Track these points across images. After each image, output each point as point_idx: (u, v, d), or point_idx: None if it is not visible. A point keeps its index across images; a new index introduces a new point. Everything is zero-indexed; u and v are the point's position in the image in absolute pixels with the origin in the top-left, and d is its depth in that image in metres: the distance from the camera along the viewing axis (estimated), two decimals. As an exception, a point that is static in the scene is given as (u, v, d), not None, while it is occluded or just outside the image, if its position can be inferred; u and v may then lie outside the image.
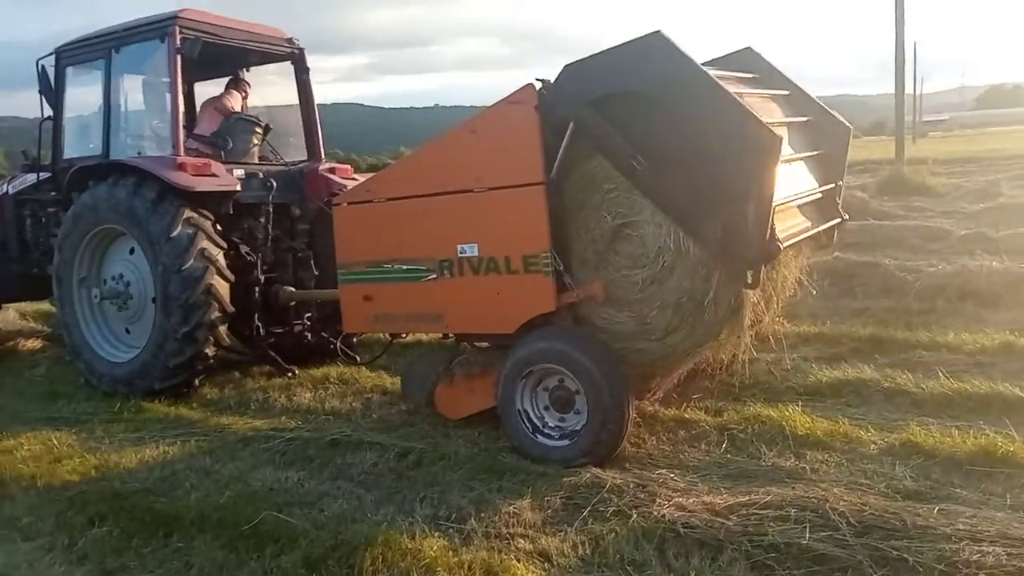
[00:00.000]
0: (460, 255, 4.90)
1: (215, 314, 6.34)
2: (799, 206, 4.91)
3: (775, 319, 5.30)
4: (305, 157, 7.93)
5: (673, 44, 4.22)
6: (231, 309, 6.46)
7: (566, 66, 4.53)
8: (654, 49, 4.27)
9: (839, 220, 5.38)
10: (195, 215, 6.38)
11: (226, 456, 5.01)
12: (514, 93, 4.65)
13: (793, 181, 4.79)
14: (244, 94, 7.92)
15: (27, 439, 5.53)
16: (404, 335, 6.16)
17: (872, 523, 3.40)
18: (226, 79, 7.97)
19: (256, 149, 7.65)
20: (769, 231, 4.09)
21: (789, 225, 4.63)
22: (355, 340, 7.50)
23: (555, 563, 3.42)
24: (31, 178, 7.92)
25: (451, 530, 3.77)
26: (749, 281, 4.16)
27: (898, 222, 11.81)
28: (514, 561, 3.43)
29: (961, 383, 5.23)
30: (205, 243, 6.34)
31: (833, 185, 5.29)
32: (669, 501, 3.80)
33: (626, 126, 4.38)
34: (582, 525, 3.70)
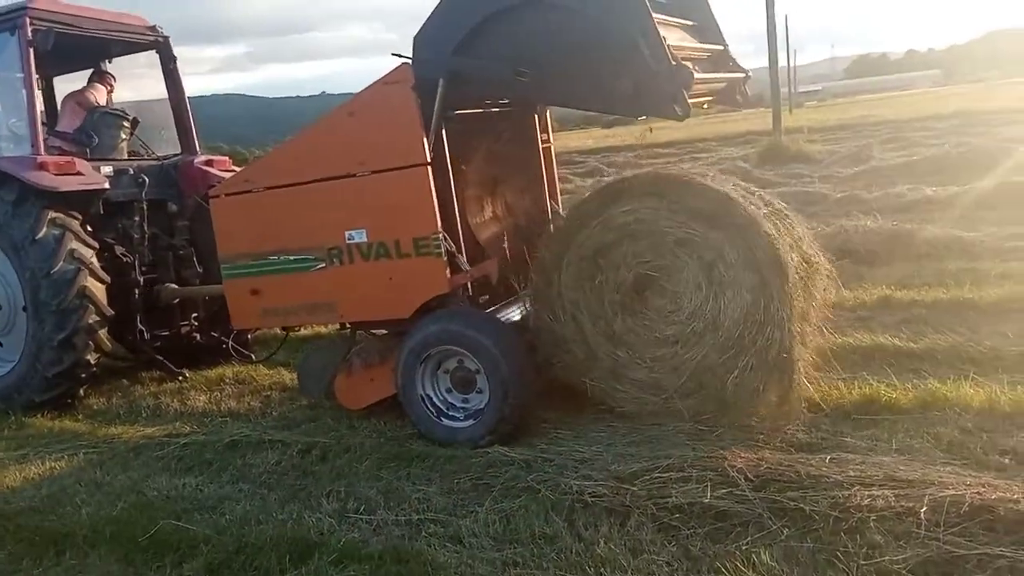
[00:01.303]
0: (349, 241, 4.80)
1: (92, 318, 6.00)
2: (695, 60, 4.68)
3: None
4: (178, 150, 7.60)
5: None
6: (109, 312, 6.13)
7: (415, 37, 4.52)
8: None
9: (744, 75, 5.25)
10: (60, 215, 6.02)
11: (117, 467, 4.78)
12: (390, 73, 4.59)
13: (677, 36, 4.68)
14: (109, 87, 7.50)
15: None
16: (298, 328, 6.02)
17: (769, 477, 3.53)
18: (88, 72, 7.53)
19: (124, 144, 7.29)
20: (671, 59, 4.00)
21: (694, 67, 4.37)
22: (250, 337, 7.27)
23: (467, 544, 3.41)
24: None
25: (360, 522, 3.71)
26: (679, 112, 4.05)
27: (779, 189, 12.27)
28: (426, 547, 3.40)
29: (844, 337, 5.48)
30: (74, 243, 6.00)
31: (720, 47, 5.15)
32: (576, 472, 3.84)
33: (494, 52, 4.35)
34: (492, 504, 3.70)
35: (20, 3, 6.40)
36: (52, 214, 5.98)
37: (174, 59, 7.52)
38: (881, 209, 9.45)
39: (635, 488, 3.59)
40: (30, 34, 6.25)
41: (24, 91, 6.36)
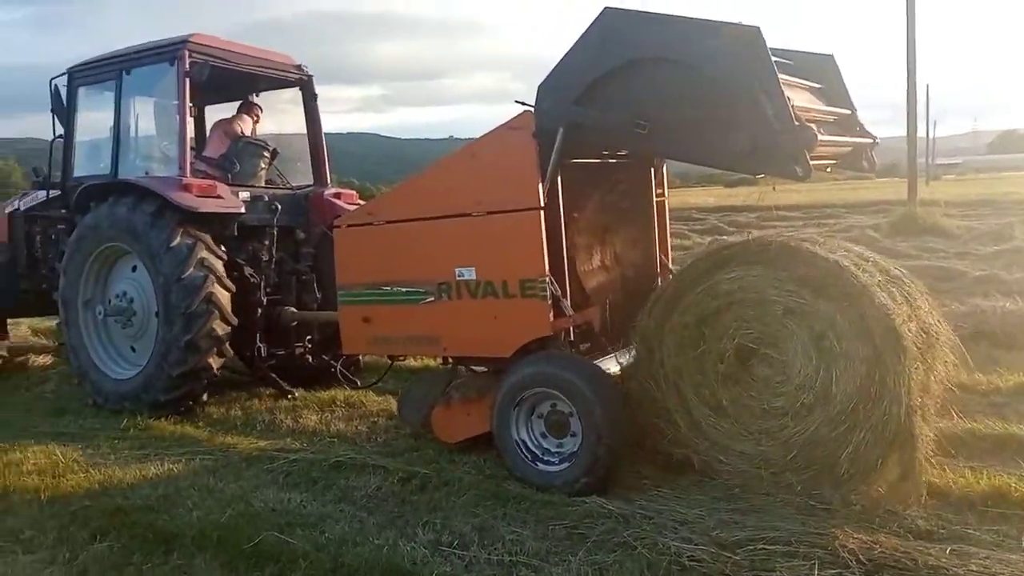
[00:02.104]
0: (458, 278, 4.91)
1: (217, 323, 6.41)
2: (819, 123, 4.59)
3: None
4: (311, 182, 8.02)
5: (623, 10, 4.39)
6: (234, 320, 6.51)
7: (540, 86, 4.64)
8: (613, 24, 4.40)
9: (871, 140, 5.16)
10: (194, 228, 6.45)
11: (229, 475, 4.99)
12: (513, 119, 4.74)
13: (803, 98, 4.66)
14: (255, 118, 8.02)
15: (32, 453, 5.53)
16: (404, 358, 6.17)
17: (883, 562, 3.33)
18: (236, 103, 8.07)
19: (263, 172, 7.75)
20: (795, 118, 3.98)
21: (818, 129, 4.29)
22: (361, 363, 7.47)
23: (558, 593, 3.37)
24: (42, 195, 8.01)
25: (453, 556, 3.72)
26: (800, 173, 4.03)
27: (910, 262, 11.71)
28: (517, 589, 3.38)
29: (975, 423, 5.15)
30: (204, 253, 6.43)
31: (848, 111, 5.11)
32: (675, 533, 3.73)
33: (615, 104, 4.42)
34: (586, 555, 3.64)
35: (181, 37, 6.94)
36: (187, 227, 6.43)
37: (315, 97, 7.99)
38: (1022, 292, 8.88)
39: (737, 557, 3.46)
40: (187, 66, 6.76)
41: (177, 117, 6.87)
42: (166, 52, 6.95)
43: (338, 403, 6.70)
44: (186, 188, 6.53)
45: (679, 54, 4.23)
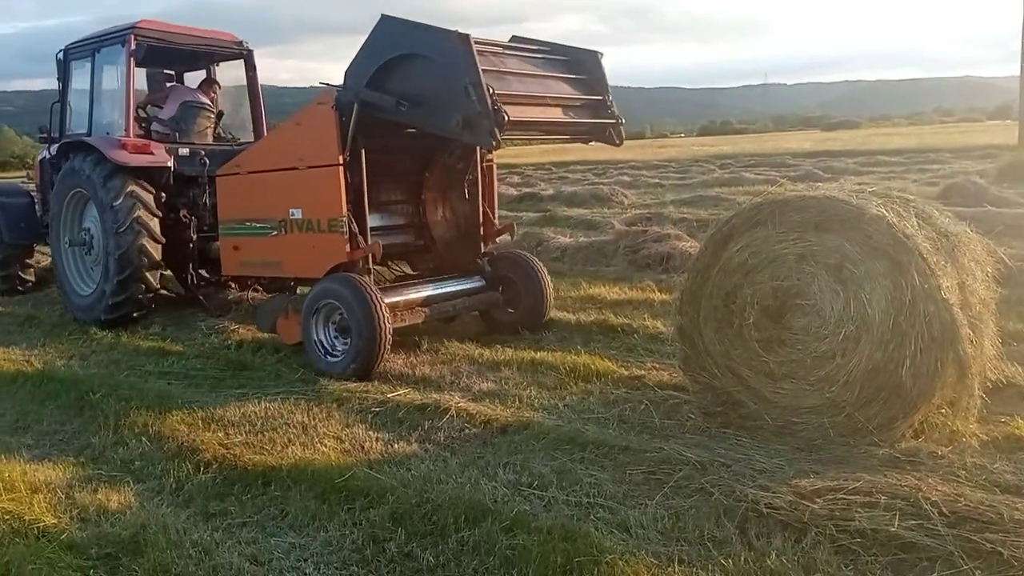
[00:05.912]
0: (291, 217, 6.54)
1: (145, 240, 7.92)
2: (560, 107, 6.31)
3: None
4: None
5: (393, 17, 5.90)
6: (161, 239, 8.08)
7: (345, 71, 6.07)
8: (388, 27, 5.87)
9: (615, 120, 6.57)
10: (136, 188, 7.99)
11: (322, 414, 5.24)
12: (321, 95, 6.26)
13: (534, 88, 6.13)
14: (212, 93, 9.53)
15: (141, 392, 5.90)
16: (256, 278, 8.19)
17: (966, 515, 3.28)
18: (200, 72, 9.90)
19: (209, 131, 9.30)
20: (492, 104, 5.33)
21: (526, 112, 5.89)
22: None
23: (634, 534, 3.44)
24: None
25: (533, 496, 3.85)
26: (493, 144, 5.50)
27: (1018, 210, 11.16)
28: (593, 530, 3.47)
29: (1078, 378, 4.94)
30: (140, 212, 7.96)
31: (600, 97, 6.56)
32: (753, 482, 3.76)
33: (390, 88, 5.85)
34: (663, 500, 3.72)
35: (131, 23, 8.49)
36: (131, 187, 7.95)
37: (255, 68, 9.65)
38: None
39: (815, 506, 3.45)
40: (133, 47, 8.35)
41: (124, 88, 8.47)
42: (120, 35, 8.50)
43: (422, 349, 6.85)
44: (123, 146, 8.10)
45: (425, 51, 5.66)
